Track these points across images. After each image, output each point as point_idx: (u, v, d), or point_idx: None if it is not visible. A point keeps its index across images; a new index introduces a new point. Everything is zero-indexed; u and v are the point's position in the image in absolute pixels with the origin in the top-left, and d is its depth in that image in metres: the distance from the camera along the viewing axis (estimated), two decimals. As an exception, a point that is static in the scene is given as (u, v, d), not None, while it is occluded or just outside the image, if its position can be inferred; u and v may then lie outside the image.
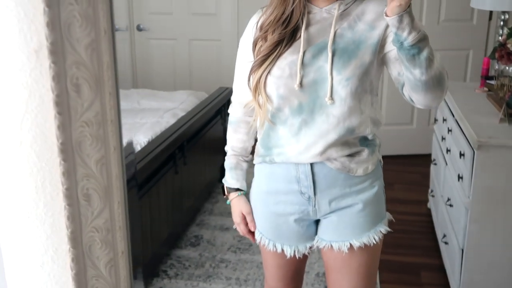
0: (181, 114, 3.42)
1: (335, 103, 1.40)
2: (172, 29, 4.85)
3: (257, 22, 1.48)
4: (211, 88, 4.18)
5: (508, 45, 2.91)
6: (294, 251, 1.59)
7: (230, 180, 1.65)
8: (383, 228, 1.54)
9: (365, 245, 1.50)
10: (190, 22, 4.83)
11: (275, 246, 1.60)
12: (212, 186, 3.85)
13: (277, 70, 1.42)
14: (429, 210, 3.51)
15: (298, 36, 1.42)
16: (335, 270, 1.57)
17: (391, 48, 1.39)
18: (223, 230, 3.31)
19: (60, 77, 0.65)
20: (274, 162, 1.51)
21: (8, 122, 0.72)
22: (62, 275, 0.79)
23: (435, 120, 3.44)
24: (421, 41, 1.25)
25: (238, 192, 1.66)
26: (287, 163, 1.49)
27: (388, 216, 1.61)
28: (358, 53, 1.39)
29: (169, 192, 2.91)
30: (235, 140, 1.64)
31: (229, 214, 3.82)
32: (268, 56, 1.42)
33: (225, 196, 1.69)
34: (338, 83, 1.39)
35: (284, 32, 1.41)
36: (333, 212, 1.52)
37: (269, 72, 1.42)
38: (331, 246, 1.53)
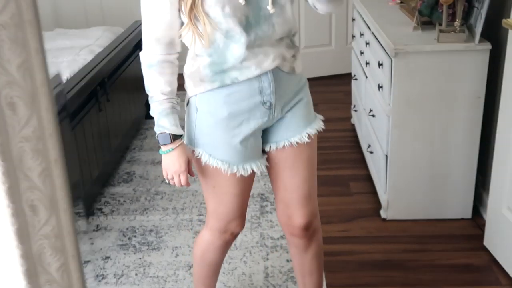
0: (98, 50, 3.30)
1: (276, 11, 1.48)
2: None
3: None
4: (125, 23, 4.04)
5: (417, -44, 2.97)
6: (261, 166, 1.63)
7: (171, 126, 1.54)
8: (321, 117, 1.70)
9: (309, 136, 1.62)
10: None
11: (244, 169, 1.58)
12: (139, 123, 3.80)
13: None
14: (353, 125, 3.64)
15: None
16: (287, 167, 1.65)
17: None
18: (155, 164, 3.30)
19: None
20: (236, 82, 1.51)
21: None
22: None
23: (353, 36, 3.52)
24: None
25: (182, 138, 1.57)
26: (250, 79, 1.51)
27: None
28: None
29: (95, 130, 2.84)
30: (163, 83, 1.53)
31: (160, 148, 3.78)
32: None
33: (164, 146, 1.55)
34: None
35: None
36: (285, 114, 1.61)
37: None
38: (290, 142, 1.61)
